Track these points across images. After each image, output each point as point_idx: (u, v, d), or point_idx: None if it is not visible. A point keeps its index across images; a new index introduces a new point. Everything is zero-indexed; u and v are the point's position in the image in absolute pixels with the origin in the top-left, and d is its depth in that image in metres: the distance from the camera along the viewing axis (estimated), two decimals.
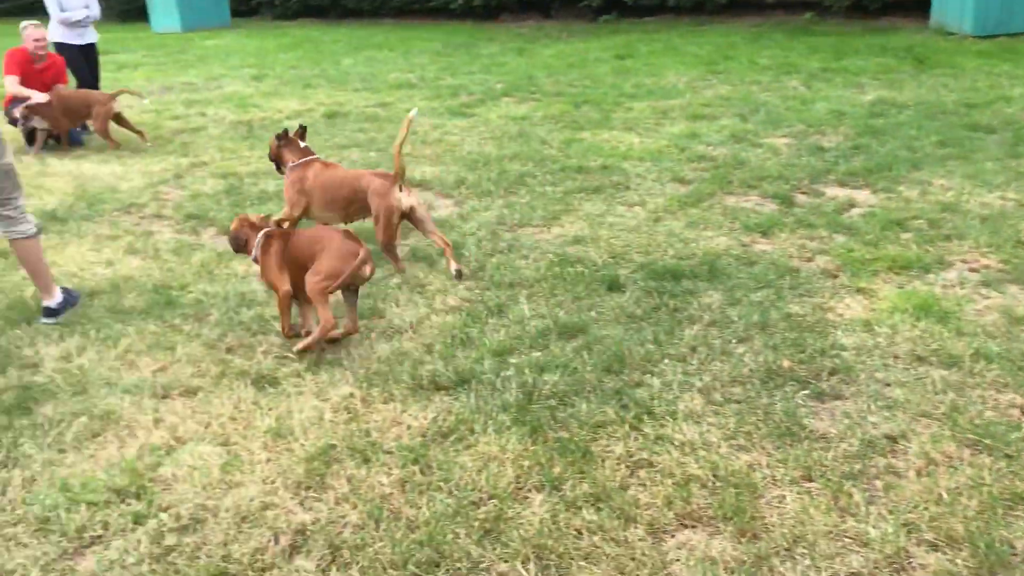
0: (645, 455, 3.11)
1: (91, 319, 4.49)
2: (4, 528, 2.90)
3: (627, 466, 3.07)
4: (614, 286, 4.58)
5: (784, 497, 2.88)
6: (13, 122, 8.16)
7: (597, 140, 7.68)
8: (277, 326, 4.24)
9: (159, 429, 3.44)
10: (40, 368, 4.00)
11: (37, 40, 8.27)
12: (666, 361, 3.77)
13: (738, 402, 3.43)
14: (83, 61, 9.14)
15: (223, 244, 5.58)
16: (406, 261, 5.03)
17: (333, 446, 3.26)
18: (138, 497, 3.02)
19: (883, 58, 11.08)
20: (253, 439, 3.34)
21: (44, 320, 4.49)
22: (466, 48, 14.68)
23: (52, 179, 7.36)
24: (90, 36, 9.24)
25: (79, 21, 8.93)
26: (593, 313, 4.28)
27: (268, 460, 3.21)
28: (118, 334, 4.30)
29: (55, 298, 4.55)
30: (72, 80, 9.07)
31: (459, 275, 4.77)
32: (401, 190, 4.79)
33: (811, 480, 2.96)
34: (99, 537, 2.85)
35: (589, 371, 3.70)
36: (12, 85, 8.15)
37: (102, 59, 10.41)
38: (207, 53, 16.07)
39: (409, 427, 3.38)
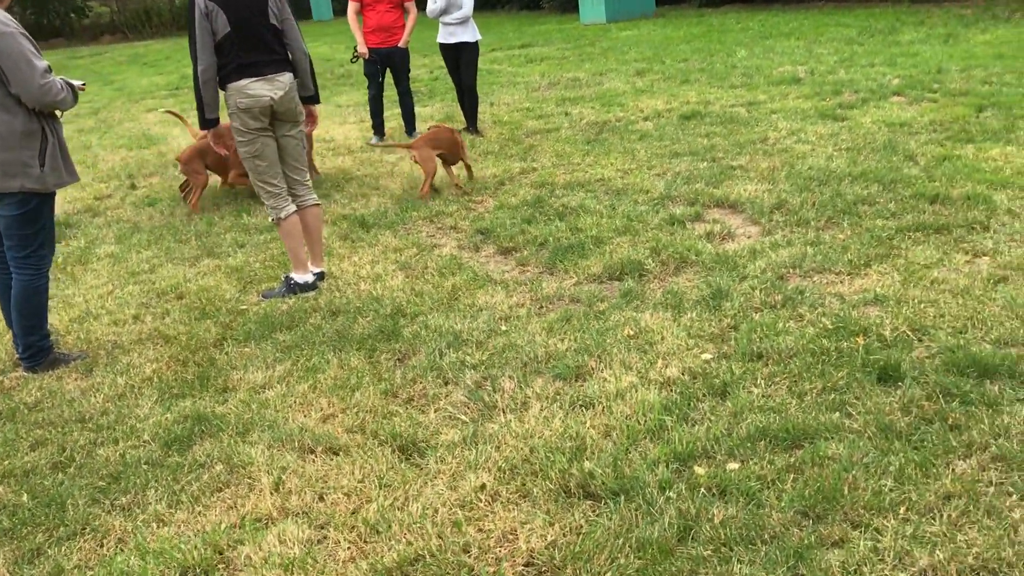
0: None
1: (315, 344, 4.40)
2: None
3: None
4: (887, 376, 3.41)
5: None
6: None
7: (979, 158, 6.07)
8: (470, 375, 3.79)
9: (275, 494, 3.15)
10: (230, 396, 3.96)
11: None
12: (901, 511, 2.64)
13: None
14: (453, 61, 9.17)
15: (493, 264, 5.26)
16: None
17: (420, 559, 2.72)
18: None
19: None
20: (350, 529, 2.91)
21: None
22: (884, 35, 12.88)
23: (388, 180, 7.62)
24: (462, 35, 8.96)
25: (444, 18, 8.85)
26: (837, 415, 3.20)
27: (346, 561, 2.76)
28: (324, 366, 4.14)
29: (322, 267, 5.37)
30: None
31: None
32: None
33: None
34: None
35: (779, 510, 2.72)
36: (351, 13, 8.99)
37: (521, 52, 10.28)
38: (613, 45, 16.01)
39: (517, 549, 2.72)
